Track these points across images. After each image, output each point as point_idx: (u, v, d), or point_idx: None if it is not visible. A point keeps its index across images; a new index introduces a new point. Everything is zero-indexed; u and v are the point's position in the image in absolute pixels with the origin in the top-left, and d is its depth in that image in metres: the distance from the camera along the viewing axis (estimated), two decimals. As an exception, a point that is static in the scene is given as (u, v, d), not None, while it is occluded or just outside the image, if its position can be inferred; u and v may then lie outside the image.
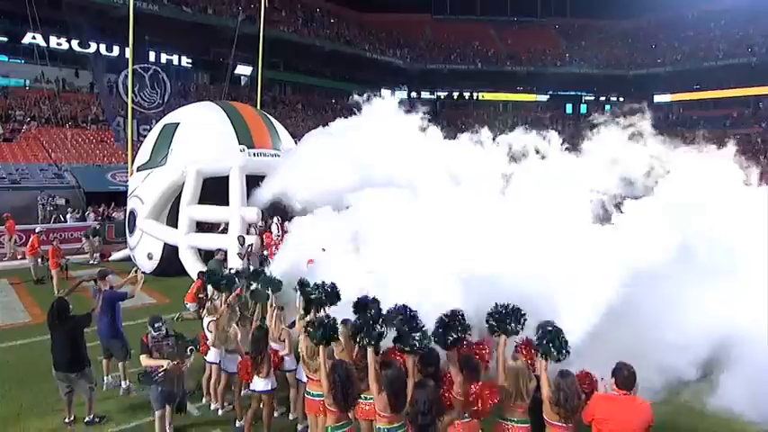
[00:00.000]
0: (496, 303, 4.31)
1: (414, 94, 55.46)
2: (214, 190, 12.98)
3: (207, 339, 6.30)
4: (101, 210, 19.32)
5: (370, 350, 4.12)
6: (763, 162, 38.40)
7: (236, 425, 5.87)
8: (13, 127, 24.93)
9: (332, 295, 5.26)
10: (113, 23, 32.84)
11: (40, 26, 30.47)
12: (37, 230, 14.36)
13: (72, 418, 6.01)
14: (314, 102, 47.97)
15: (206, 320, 6.36)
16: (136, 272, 7.60)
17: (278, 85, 47.97)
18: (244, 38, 41.17)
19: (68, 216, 18.35)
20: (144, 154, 14.28)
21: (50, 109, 26.62)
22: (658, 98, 52.16)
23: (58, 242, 13.05)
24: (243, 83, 46.23)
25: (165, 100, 19.79)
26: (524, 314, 4.28)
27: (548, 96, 54.68)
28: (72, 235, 17.60)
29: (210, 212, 12.86)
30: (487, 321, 4.33)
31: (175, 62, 42.26)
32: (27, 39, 31.01)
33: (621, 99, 54.56)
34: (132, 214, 13.95)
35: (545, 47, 54.19)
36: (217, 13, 39.39)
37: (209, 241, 12.46)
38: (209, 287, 7.32)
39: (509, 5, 59.24)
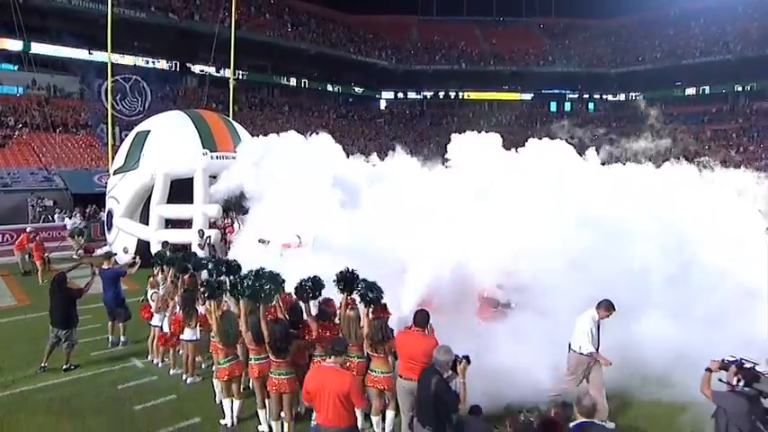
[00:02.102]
0: (339, 272, 5.99)
1: (400, 95, 57.38)
2: (182, 190, 14.73)
3: (151, 307, 8.07)
4: (87, 210, 21.04)
5: (242, 301, 5.83)
6: (735, 156, 40.14)
7: (170, 372, 7.65)
8: (5, 133, 26.69)
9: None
10: (103, 31, 34.66)
11: (32, 34, 32.60)
12: (27, 230, 16.19)
13: (45, 365, 7.80)
14: (301, 103, 49.65)
15: (149, 292, 8.15)
16: (134, 257, 9.89)
17: (265, 88, 49.71)
18: (228, 42, 43.10)
19: (56, 216, 20.12)
20: (119, 158, 16.06)
21: (41, 115, 28.42)
22: (641, 95, 53.85)
23: (41, 239, 14.85)
24: (231, 85, 47.89)
25: (146, 107, 21.54)
26: (359, 280, 5.94)
27: (532, 95, 56.33)
28: (59, 233, 19.39)
29: (177, 210, 14.63)
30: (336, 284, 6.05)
31: (163, 67, 44.20)
32: (17, 46, 32.90)
33: (604, 97, 56.38)
34: (110, 213, 15.73)
35: (529, 46, 55.81)
36: (203, 19, 41.09)
37: (176, 236, 14.20)
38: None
39: (494, 6, 60.86)
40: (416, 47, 56.03)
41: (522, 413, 4.37)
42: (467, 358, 4.44)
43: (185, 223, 15.22)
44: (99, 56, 37.57)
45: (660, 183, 9.74)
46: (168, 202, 14.76)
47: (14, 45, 33.31)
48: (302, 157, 10.56)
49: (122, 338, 8.93)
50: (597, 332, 5.99)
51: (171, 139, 15.20)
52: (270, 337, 5.54)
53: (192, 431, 6.08)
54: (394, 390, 5.54)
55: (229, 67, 46.45)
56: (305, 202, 9.12)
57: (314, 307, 5.96)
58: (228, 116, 21.72)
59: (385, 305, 5.85)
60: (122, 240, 15.14)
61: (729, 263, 7.68)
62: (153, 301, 8.02)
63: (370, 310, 5.74)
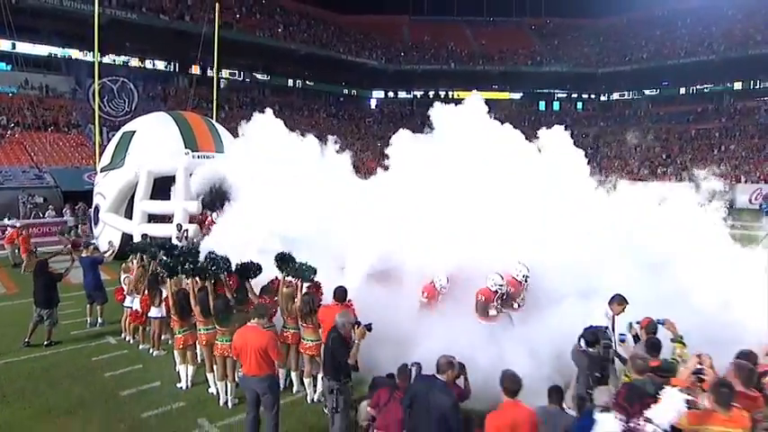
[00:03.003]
0: (278, 253, 6.99)
1: (391, 94, 58.43)
2: (164, 187, 15.72)
3: (124, 290, 9.07)
4: (76, 207, 21.99)
5: (190, 279, 6.83)
6: (716, 154, 41.20)
7: (140, 347, 8.66)
8: (-2, 132, 27.69)
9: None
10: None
11: (25, 34, 33.66)
12: (17, 225, 17.21)
13: (28, 341, 8.84)
14: (292, 103, 50.58)
15: (122, 277, 9.16)
16: (110, 244, 11.46)
17: (256, 88, 50.72)
18: (223, 42, 43.95)
19: (47, 213, 21.13)
20: (106, 157, 17.04)
21: (33, 115, 29.38)
22: (628, 95, 55.10)
23: (27, 233, 15.94)
24: (222, 85, 48.97)
25: (133, 108, 22.50)
26: (294, 261, 6.93)
27: (521, 94, 57.40)
28: (50, 230, 20.39)
29: (159, 206, 15.58)
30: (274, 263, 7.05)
31: (156, 67, 45.23)
32: (6, 46, 33.95)
33: (593, 96, 57.44)
34: (96, 208, 16.71)
35: (518, 46, 56.86)
36: (194, 19, 41.98)
37: (157, 230, 15.16)
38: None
39: (485, 6, 62.09)
40: (407, 47, 57.08)
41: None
42: (368, 326, 5.37)
43: (167, 218, 16.24)
44: (91, 56, 38.87)
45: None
46: (151, 198, 15.73)
47: (5, 45, 34.39)
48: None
49: (99, 320, 9.96)
50: (612, 328, 6.00)
51: (155, 139, 16.17)
52: (214, 309, 6.56)
53: (153, 392, 7.08)
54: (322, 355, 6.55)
55: (223, 67, 47.79)
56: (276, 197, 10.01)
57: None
58: (213, 116, 22.73)
59: (318, 283, 6.85)
60: (108, 234, 16.02)
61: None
62: (125, 284, 9.02)
63: (305, 286, 6.76)
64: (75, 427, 6.18)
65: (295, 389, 6.95)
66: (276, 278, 7.13)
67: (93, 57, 18.52)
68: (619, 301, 6.16)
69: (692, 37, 49.70)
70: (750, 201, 35.06)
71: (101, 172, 17.05)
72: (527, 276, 7.47)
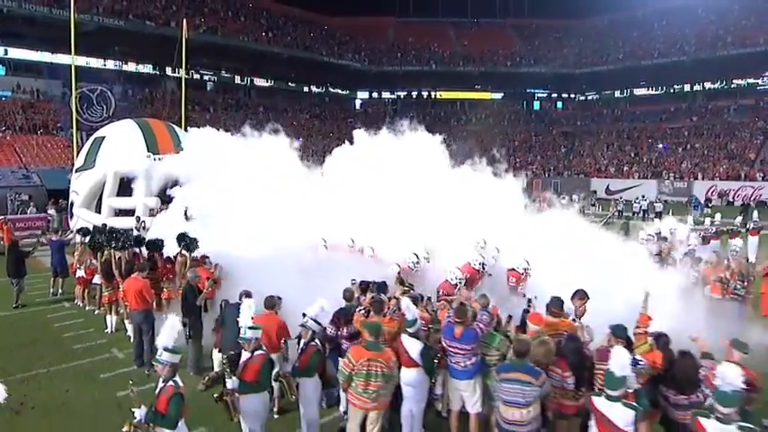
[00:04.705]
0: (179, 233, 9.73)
1: (375, 95, 61.13)
2: (128, 185, 18.52)
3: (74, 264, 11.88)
4: (59, 203, 24.85)
5: (119, 252, 9.57)
6: (684, 153, 43.57)
7: (86, 308, 11.44)
8: (-10, 135, 30.63)
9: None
10: (84, 37, 38.69)
11: (15, 40, 36.78)
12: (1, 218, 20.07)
13: (16, 305, 11.66)
14: (276, 105, 53.33)
15: (76, 255, 12.00)
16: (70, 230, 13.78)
17: (242, 90, 53.53)
18: (207, 47, 47.03)
19: (29, 210, 24.01)
20: (80, 159, 19.87)
21: (23, 118, 32.35)
22: (605, 94, 57.56)
23: (11, 225, 18.75)
24: (208, 88, 51.90)
25: (111, 114, 25.36)
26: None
27: (502, 94, 59.91)
28: (34, 224, 23.26)
29: (123, 202, 18.38)
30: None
31: (144, 71, 48.16)
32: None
33: (572, 96, 59.86)
34: (71, 204, 19.55)
35: (500, 47, 59.29)
36: (178, 26, 44.78)
37: (121, 222, 17.94)
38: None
39: (470, 7, 64.53)
40: (390, 48, 59.71)
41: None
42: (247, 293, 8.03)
43: (131, 212, 19.04)
44: (80, 61, 41.93)
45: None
46: (117, 195, 18.54)
47: (-1, 51, 37.62)
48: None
49: (60, 291, 12.76)
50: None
51: (121, 144, 18.97)
52: (118, 271, 9.33)
53: (87, 335, 9.86)
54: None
55: (206, 71, 50.97)
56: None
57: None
58: (182, 115, 25.65)
59: (200, 258, 9.59)
60: (81, 226, 18.91)
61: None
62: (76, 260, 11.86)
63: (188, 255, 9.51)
64: (31, 354, 8.91)
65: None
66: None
67: (71, 62, 21.33)
68: (579, 296, 6.61)
69: (667, 38, 51.85)
70: (708, 197, 37.51)
71: (75, 172, 19.86)
72: (484, 264, 9.14)
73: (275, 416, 6.57)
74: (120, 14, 42.05)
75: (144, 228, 16.68)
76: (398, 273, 8.35)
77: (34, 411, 6.80)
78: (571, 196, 28.93)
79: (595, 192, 41.05)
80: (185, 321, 7.76)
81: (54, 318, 10.97)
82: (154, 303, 8.32)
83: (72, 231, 19.52)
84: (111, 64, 45.95)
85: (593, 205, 32.23)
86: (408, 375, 5.72)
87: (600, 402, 4.37)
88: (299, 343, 5.92)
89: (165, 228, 12.45)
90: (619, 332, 5.39)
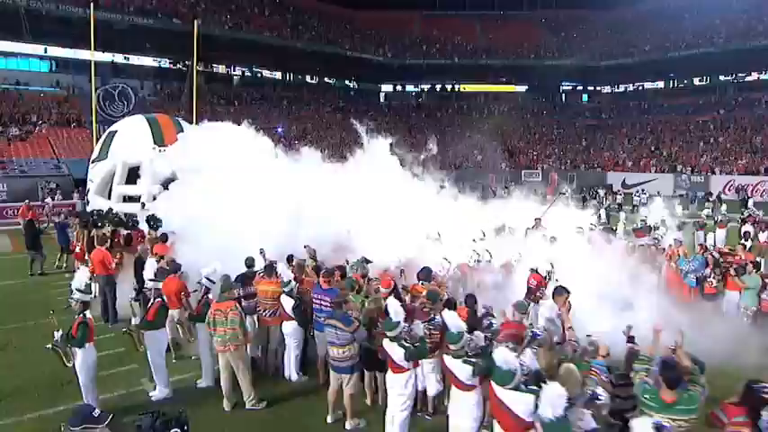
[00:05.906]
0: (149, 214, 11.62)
1: (399, 88, 62.59)
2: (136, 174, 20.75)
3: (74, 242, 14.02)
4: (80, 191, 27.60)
5: (100, 231, 11.54)
6: (706, 147, 43.31)
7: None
8: (28, 129, 33.71)
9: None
10: (117, 35, 41.92)
11: (56, 39, 40.17)
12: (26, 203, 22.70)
13: (31, 273, 13.97)
14: (301, 98, 55.42)
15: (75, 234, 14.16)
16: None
17: (267, 85, 55.90)
18: (234, 42, 49.62)
19: (56, 197, 26.82)
20: (96, 151, 22.28)
21: (58, 113, 35.50)
22: (634, 87, 57.15)
23: (28, 205, 21.18)
24: (235, 82, 54.56)
25: (131, 109, 27.81)
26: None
27: (526, 87, 60.29)
28: (60, 210, 25.95)
29: (131, 189, 20.62)
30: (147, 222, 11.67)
31: (174, 66, 51.10)
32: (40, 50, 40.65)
33: (598, 88, 59.68)
34: (87, 191, 21.98)
35: (525, 40, 59.59)
36: (205, 23, 47.43)
37: (129, 207, 20.21)
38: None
39: (497, 0, 64.94)
40: (414, 42, 60.91)
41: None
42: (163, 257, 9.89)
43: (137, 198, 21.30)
44: (114, 58, 45.50)
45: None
46: (126, 183, 20.81)
47: (39, 48, 41.24)
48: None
49: (65, 264, 15.02)
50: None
51: (130, 137, 21.23)
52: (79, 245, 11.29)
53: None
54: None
55: (231, 67, 53.58)
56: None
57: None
58: (193, 107, 28.05)
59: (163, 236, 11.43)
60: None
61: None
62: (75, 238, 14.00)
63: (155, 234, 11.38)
64: (30, 308, 11.00)
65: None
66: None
67: (91, 58, 23.93)
68: (559, 293, 6.39)
69: (696, 29, 50.97)
70: (724, 191, 37.31)
71: (91, 163, 22.29)
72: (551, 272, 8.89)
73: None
74: (149, 13, 44.96)
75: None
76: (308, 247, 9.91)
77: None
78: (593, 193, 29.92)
79: (611, 185, 41.36)
80: (137, 287, 9.64)
81: (53, 284, 13.17)
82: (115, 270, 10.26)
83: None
84: (144, 60, 49.16)
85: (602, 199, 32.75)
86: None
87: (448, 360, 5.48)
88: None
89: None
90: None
